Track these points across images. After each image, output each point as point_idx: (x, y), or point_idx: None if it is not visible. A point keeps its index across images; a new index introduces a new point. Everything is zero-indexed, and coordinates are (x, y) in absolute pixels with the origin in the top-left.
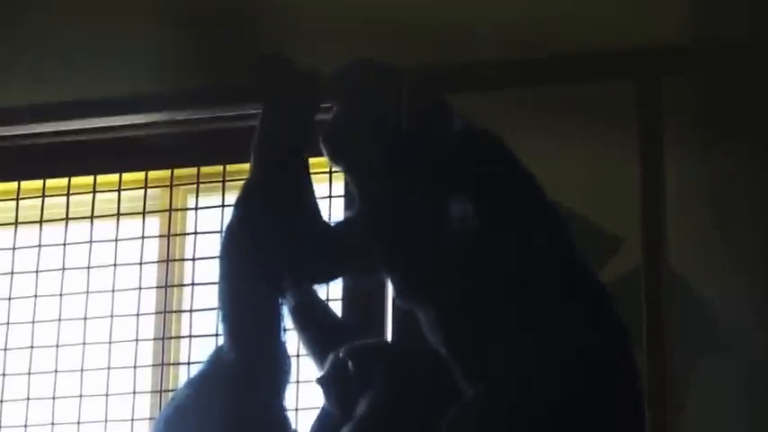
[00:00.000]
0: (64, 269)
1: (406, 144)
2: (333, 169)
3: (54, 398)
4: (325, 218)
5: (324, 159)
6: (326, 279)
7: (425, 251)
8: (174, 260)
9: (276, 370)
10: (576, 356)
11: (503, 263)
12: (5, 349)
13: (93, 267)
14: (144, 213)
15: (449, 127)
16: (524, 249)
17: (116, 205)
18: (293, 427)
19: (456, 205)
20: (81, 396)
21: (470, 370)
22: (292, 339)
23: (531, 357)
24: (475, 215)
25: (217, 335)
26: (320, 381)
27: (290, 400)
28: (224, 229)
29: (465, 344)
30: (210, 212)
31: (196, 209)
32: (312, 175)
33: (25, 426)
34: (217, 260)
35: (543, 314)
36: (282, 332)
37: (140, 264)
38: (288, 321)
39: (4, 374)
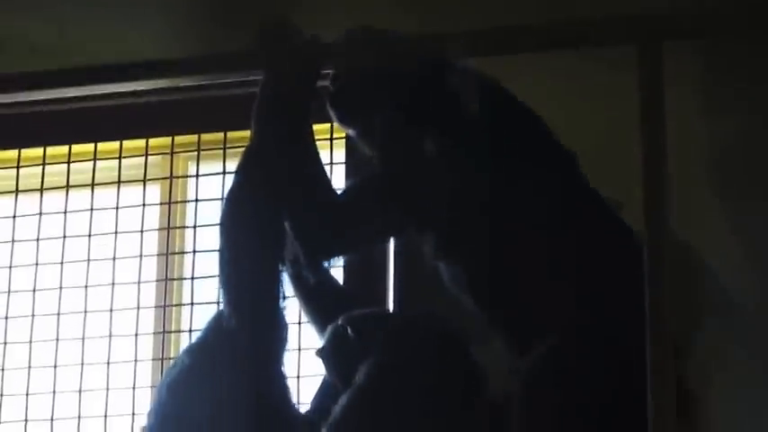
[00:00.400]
0: (65, 237)
1: (414, 102)
2: (334, 136)
3: (55, 366)
4: (332, 185)
5: (325, 126)
6: (337, 253)
7: (449, 206)
8: (175, 227)
9: (275, 337)
10: (619, 292)
11: (527, 207)
12: (7, 318)
13: (93, 235)
14: (144, 180)
15: (454, 82)
16: (545, 191)
17: (117, 173)
18: (292, 394)
19: (471, 156)
20: (82, 364)
21: (500, 320)
22: (293, 307)
23: (582, 302)
24: (492, 164)
25: (218, 302)
26: (320, 352)
27: (291, 367)
28: (225, 196)
29: (495, 293)
30: (211, 179)
31: (197, 176)
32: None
33: (27, 394)
34: (218, 227)
35: (576, 254)
36: (282, 300)
37: (141, 231)
38: (288, 289)
39: (5, 343)
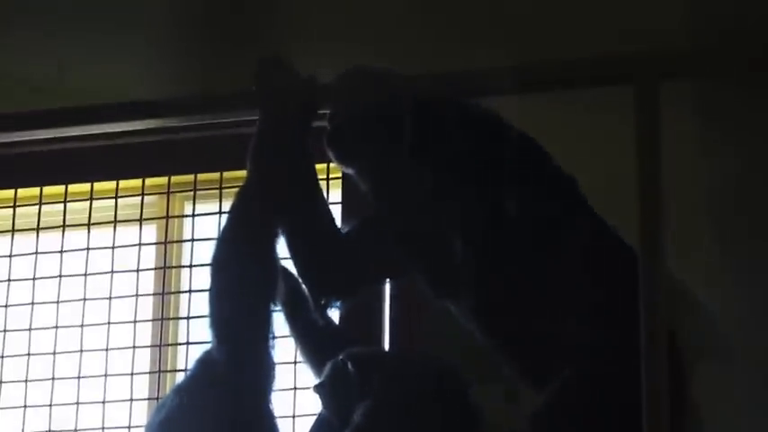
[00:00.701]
0: (61, 276)
1: (411, 139)
2: (331, 176)
3: (51, 405)
4: (336, 225)
5: (321, 166)
6: (345, 293)
7: (451, 244)
8: (171, 267)
9: (263, 376)
10: (625, 321)
11: (531, 241)
12: (2, 356)
13: (89, 275)
14: (141, 220)
15: (453, 117)
16: (549, 223)
17: (113, 212)
18: None
19: (470, 189)
20: (78, 403)
21: (512, 355)
22: (288, 346)
23: (589, 334)
24: (491, 197)
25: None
26: (318, 388)
27: (286, 407)
28: (218, 235)
29: (504, 327)
30: (208, 219)
31: (193, 216)
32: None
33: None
34: (209, 266)
35: (582, 280)
36: (271, 339)
37: (137, 271)
38: (280, 328)
39: (1, 381)
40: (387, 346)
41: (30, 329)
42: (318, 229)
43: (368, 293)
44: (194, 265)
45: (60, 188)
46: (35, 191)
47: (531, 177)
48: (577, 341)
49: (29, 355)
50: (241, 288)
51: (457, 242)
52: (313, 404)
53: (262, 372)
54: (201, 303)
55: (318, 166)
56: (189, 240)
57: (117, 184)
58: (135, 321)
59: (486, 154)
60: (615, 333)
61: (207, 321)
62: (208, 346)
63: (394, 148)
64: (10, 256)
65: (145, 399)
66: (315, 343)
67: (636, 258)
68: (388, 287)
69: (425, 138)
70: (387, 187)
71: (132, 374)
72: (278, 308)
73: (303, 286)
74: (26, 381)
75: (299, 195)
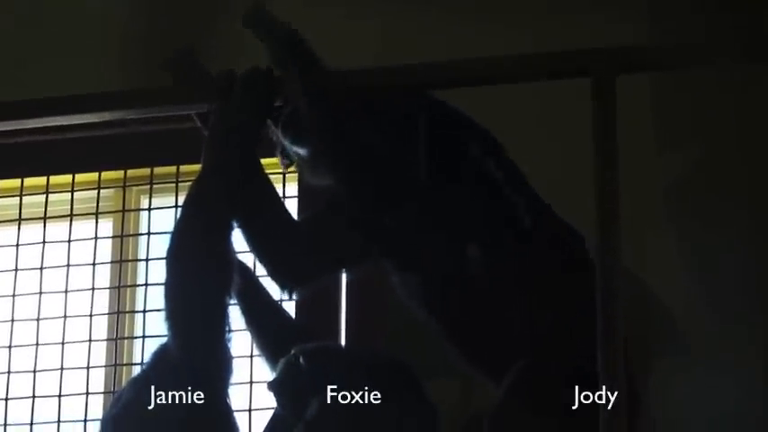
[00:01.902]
0: (17, 270)
1: (367, 122)
2: (287, 170)
3: (7, 399)
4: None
5: (275, 160)
6: (308, 280)
7: (411, 227)
8: (128, 261)
9: (220, 369)
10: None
11: (483, 225)
12: None
13: (45, 268)
14: (97, 214)
15: (407, 105)
16: (499, 209)
17: (69, 206)
18: (240, 427)
19: (427, 175)
20: (34, 397)
21: (470, 347)
22: (245, 340)
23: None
24: (447, 182)
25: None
26: (272, 385)
27: (242, 401)
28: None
29: (462, 318)
30: (164, 213)
31: (149, 209)
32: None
33: None
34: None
35: (536, 273)
36: (228, 332)
37: (93, 264)
38: (238, 322)
39: None
40: (343, 341)
41: None
42: (275, 217)
43: (327, 280)
44: (150, 259)
45: (16, 182)
46: None
47: (482, 164)
48: (530, 330)
49: None
50: (196, 281)
51: (413, 226)
52: (269, 398)
53: (219, 365)
54: (158, 297)
55: (275, 160)
56: (145, 234)
57: (73, 178)
58: (91, 315)
59: (440, 141)
60: (568, 322)
61: (163, 315)
62: (164, 340)
63: (349, 130)
64: None
65: (101, 392)
66: (270, 337)
67: (584, 242)
68: (344, 282)
69: (381, 122)
70: (342, 168)
71: (88, 368)
72: (234, 301)
73: (258, 279)
74: None
75: (256, 186)
